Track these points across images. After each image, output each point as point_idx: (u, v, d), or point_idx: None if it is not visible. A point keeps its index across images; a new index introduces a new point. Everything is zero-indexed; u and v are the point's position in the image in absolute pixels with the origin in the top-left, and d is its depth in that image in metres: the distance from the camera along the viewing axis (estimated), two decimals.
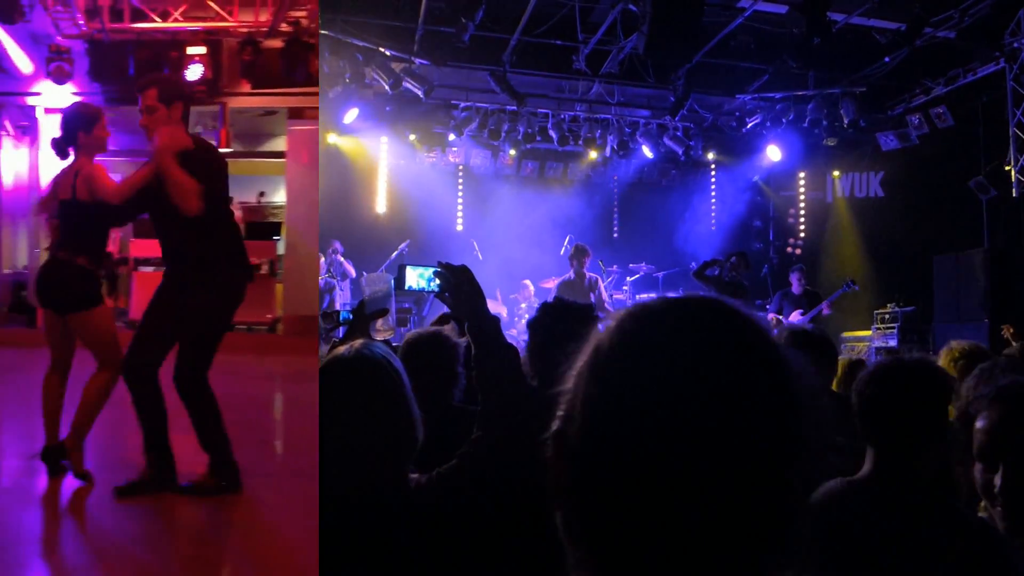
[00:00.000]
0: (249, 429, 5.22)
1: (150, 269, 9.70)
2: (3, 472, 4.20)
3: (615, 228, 12.93)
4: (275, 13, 9.56)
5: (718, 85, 10.24)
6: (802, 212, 12.55)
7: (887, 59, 8.97)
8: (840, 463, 1.87)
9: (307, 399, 3.20)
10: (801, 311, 8.60)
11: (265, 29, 9.79)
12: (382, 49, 8.91)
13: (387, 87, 9.14)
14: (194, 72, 9.76)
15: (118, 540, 3.53)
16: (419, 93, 9.34)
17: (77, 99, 7.66)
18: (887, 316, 9.60)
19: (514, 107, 10.08)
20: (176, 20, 9.78)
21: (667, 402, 0.67)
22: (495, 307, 8.43)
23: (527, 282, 10.41)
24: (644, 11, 7.41)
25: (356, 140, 10.86)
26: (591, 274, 8.65)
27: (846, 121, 10.03)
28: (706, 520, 0.66)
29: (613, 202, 12.97)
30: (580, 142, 11.02)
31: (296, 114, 10.34)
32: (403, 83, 9.14)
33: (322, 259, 9.85)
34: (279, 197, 12.53)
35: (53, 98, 9.99)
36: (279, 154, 11.06)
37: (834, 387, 3.10)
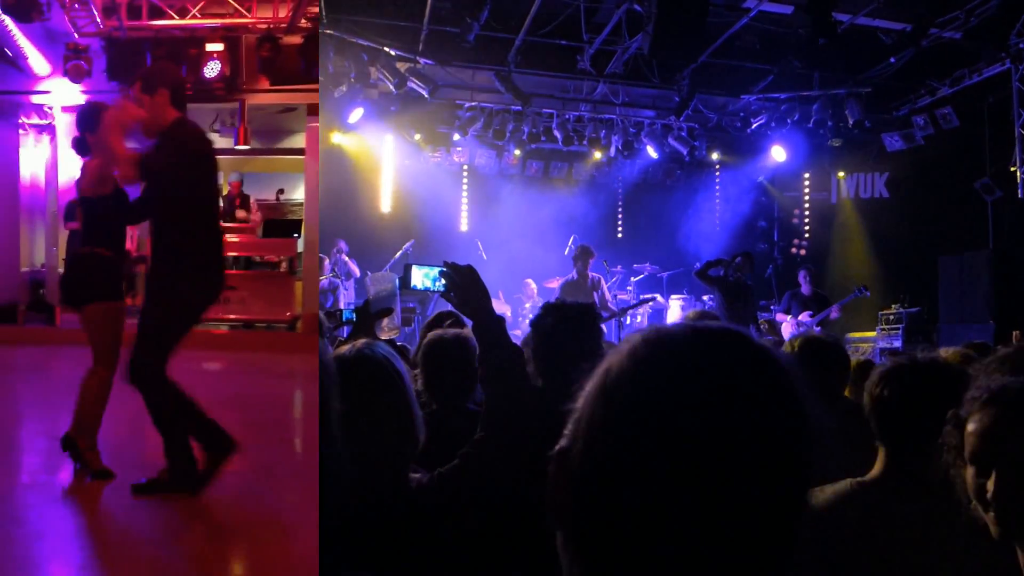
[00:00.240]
0: (269, 428, 5.24)
1: None
2: (23, 468, 4.19)
3: (619, 228, 12.93)
4: (294, 9, 9.57)
5: (723, 85, 10.23)
6: (807, 213, 12.53)
7: (892, 60, 8.97)
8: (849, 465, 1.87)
9: None
10: (810, 312, 8.59)
11: (284, 25, 9.79)
12: (387, 49, 8.92)
13: (392, 87, 9.15)
14: (212, 69, 9.76)
15: (128, 537, 3.54)
16: (424, 93, 9.35)
17: (88, 97, 7.70)
18: (892, 317, 9.58)
19: (519, 107, 10.09)
20: (194, 17, 9.79)
21: (676, 432, 0.66)
22: (499, 306, 8.43)
23: (529, 281, 10.41)
24: (649, 11, 7.41)
25: (361, 139, 10.86)
26: (594, 274, 8.65)
27: (851, 122, 10.01)
28: (707, 550, 0.66)
29: (617, 202, 12.97)
30: (585, 142, 11.02)
31: (315, 111, 10.33)
32: (408, 83, 9.16)
33: (326, 259, 9.86)
34: (298, 195, 12.55)
35: (70, 96, 10.02)
36: (298, 151, 11.08)
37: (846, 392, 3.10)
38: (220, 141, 11.59)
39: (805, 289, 8.89)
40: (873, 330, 9.90)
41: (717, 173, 12.69)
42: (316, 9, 9.35)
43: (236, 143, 10.61)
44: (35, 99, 10.40)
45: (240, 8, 9.83)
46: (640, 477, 0.66)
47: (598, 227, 12.06)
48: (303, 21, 9.58)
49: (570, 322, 2.49)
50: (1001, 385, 1.46)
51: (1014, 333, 6.53)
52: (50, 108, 10.58)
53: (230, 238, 10.12)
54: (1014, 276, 8.51)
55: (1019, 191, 8.97)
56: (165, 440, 3.79)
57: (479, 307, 1.91)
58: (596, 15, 8.72)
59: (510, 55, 9.13)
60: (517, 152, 11.47)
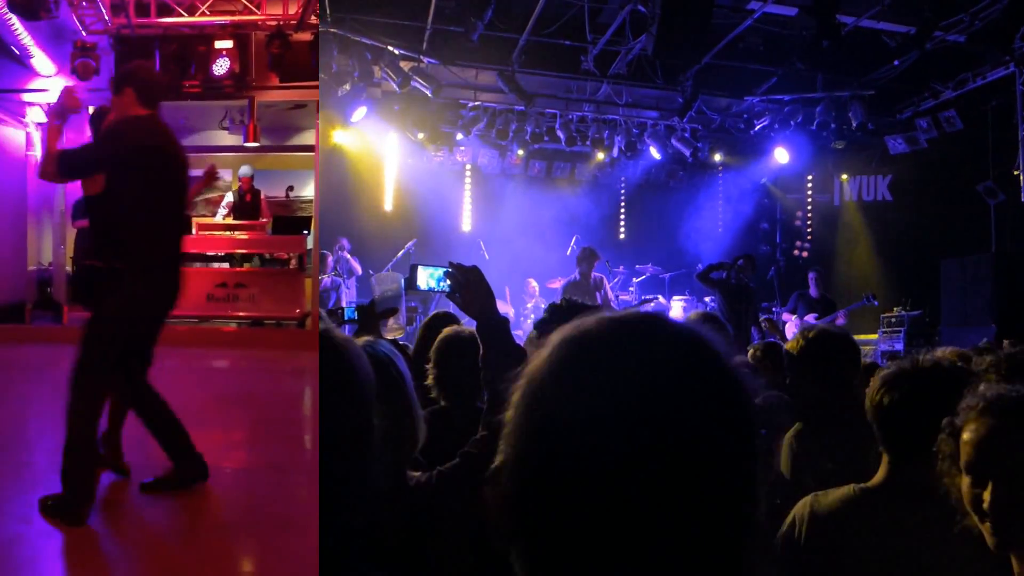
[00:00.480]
0: (278, 425, 5.25)
1: None
2: (31, 466, 4.18)
3: (622, 229, 12.93)
4: (303, 6, 9.56)
5: (726, 87, 10.23)
6: (809, 215, 12.53)
7: (896, 62, 8.96)
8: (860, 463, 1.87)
9: None
10: (816, 315, 8.58)
11: (294, 22, 9.78)
12: (391, 48, 8.93)
13: (395, 86, 9.15)
14: (221, 66, 9.75)
15: (135, 534, 3.52)
16: (427, 92, 9.35)
17: (93, 96, 7.68)
18: (893, 320, 9.58)
19: (522, 107, 10.09)
20: (203, 14, 9.77)
21: (602, 436, 0.63)
22: (503, 307, 8.43)
23: (531, 281, 10.42)
24: (653, 12, 7.40)
25: (364, 138, 10.87)
26: (597, 275, 8.66)
27: (854, 124, 10.01)
28: (651, 552, 0.63)
29: (620, 203, 12.97)
30: (588, 143, 11.02)
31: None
32: (411, 82, 9.16)
33: (328, 256, 9.87)
34: (308, 191, 12.55)
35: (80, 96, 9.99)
36: (308, 148, 11.08)
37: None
38: (229, 138, 11.60)
39: (813, 292, 8.88)
40: (875, 333, 9.89)
41: (720, 174, 12.69)
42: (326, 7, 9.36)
43: (245, 140, 10.60)
44: (42, 98, 10.38)
45: (249, 5, 9.82)
46: (573, 485, 0.63)
47: (600, 228, 12.07)
48: (312, 18, 9.57)
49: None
50: (997, 394, 1.45)
51: (1004, 343, 6.51)
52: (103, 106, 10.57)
53: (239, 235, 10.12)
54: (1016, 279, 8.51)
55: (1022, 194, 8.96)
56: (64, 455, 3.44)
57: (484, 308, 1.91)
58: (600, 15, 8.72)
59: (514, 55, 9.14)
60: (520, 152, 11.48)
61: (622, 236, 12.81)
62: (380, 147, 11.24)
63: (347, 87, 9.32)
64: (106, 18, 9.68)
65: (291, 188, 12.76)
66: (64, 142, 3.67)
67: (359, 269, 10.11)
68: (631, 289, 10.75)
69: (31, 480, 3.91)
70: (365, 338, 1.85)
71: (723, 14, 8.09)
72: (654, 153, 11.25)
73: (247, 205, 10.78)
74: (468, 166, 12.05)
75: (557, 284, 10.45)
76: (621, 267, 10.74)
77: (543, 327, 2.57)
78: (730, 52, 9.09)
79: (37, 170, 3.80)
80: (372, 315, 2.31)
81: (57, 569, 3.28)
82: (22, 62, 9.99)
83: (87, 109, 4.95)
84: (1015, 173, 9.08)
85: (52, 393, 4.10)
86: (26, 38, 9.55)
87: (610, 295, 8.73)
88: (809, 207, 12.53)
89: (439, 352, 2.61)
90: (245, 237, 10.12)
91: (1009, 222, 9.67)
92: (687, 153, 11.16)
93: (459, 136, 10.94)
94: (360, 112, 9.90)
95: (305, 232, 10.01)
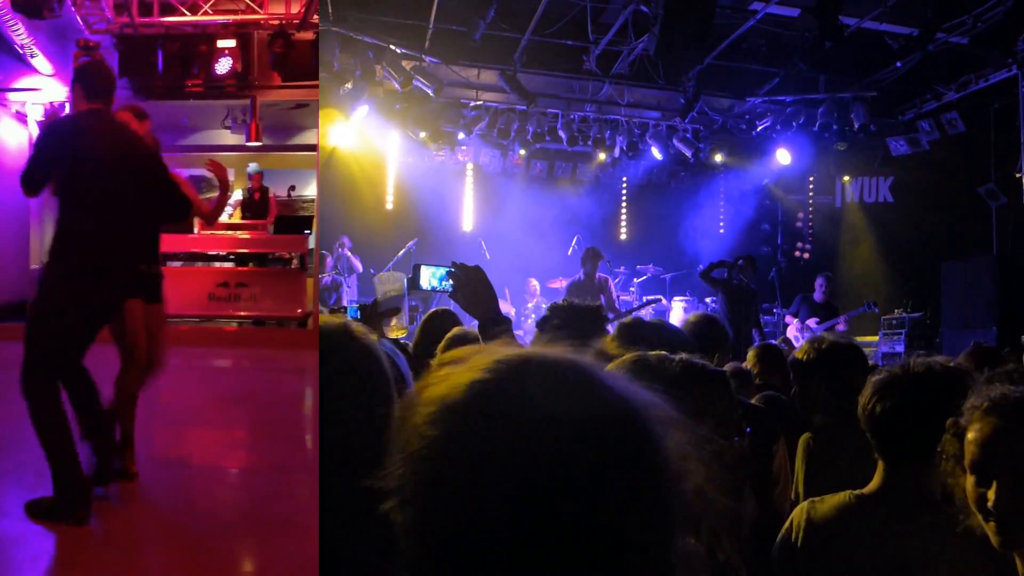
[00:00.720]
0: (280, 425, 5.25)
1: (177, 264, 9.72)
2: (31, 467, 4.15)
3: (623, 229, 12.93)
4: (306, 5, 9.56)
5: (728, 88, 10.23)
6: (811, 216, 12.53)
7: (899, 64, 8.95)
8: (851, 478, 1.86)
9: None
10: (817, 319, 8.59)
11: (296, 21, 9.77)
12: (393, 47, 8.92)
13: (397, 85, 9.15)
14: (223, 66, 9.74)
15: (136, 534, 3.51)
16: (429, 91, 9.35)
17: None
18: (894, 322, 9.58)
19: (524, 107, 10.09)
20: (206, 13, 9.77)
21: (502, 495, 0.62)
22: (504, 306, 8.43)
23: (533, 281, 10.42)
24: (655, 12, 7.40)
25: (366, 137, 10.88)
26: (601, 275, 8.68)
27: (856, 125, 10.00)
28: None
29: (621, 203, 12.97)
30: (589, 143, 11.02)
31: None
32: (413, 81, 9.16)
33: (328, 256, 9.87)
34: (310, 191, 12.56)
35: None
36: (311, 147, 11.07)
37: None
38: (231, 138, 11.58)
39: (818, 296, 8.88)
40: (876, 335, 9.89)
41: (721, 175, 12.67)
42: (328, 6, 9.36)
43: (248, 139, 10.60)
44: (43, 97, 10.39)
45: (252, 4, 9.82)
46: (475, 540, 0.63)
47: (602, 228, 12.07)
48: (315, 17, 9.58)
49: (576, 323, 2.49)
50: (1001, 394, 1.45)
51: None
52: (60, 105, 10.57)
53: (240, 235, 10.11)
54: (1018, 282, 8.50)
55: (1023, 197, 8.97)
56: (47, 460, 3.41)
57: (486, 308, 1.91)
58: (602, 15, 8.72)
59: (516, 54, 9.14)
60: (522, 152, 11.48)
61: (623, 236, 12.81)
62: (382, 146, 11.25)
63: (349, 86, 9.33)
64: (109, 17, 9.68)
65: (293, 188, 12.76)
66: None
67: (360, 267, 10.11)
68: (632, 289, 10.75)
69: (32, 480, 3.90)
70: None
71: (725, 15, 8.08)
72: (656, 153, 11.25)
73: (256, 203, 10.74)
74: (469, 165, 12.05)
75: (558, 284, 10.45)
76: (622, 267, 10.74)
77: (544, 328, 2.57)
78: (732, 53, 9.09)
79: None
80: (374, 314, 2.31)
81: (57, 569, 3.27)
82: (25, 61, 9.99)
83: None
84: (1017, 175, 9.07)
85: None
86: (26, 38, 9.56)
87: (614, 296, 8.75)
88: (811, 208, 12.53)
89: (447, 350, 2.60)
90: (247, 236, 10.11)
91: (1011, 224, 9.67)
92: (689, 153, 11.15)
93: (461, 135, 10.94)
94: (362, 111, 9.90)
95: (307, 232, 10.01)
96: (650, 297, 10.45)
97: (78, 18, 9.68)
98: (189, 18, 9.77)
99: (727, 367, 3.37)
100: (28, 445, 3.90)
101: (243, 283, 9.54)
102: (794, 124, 10.67)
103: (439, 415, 0.67)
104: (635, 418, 0.68)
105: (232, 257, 9.99)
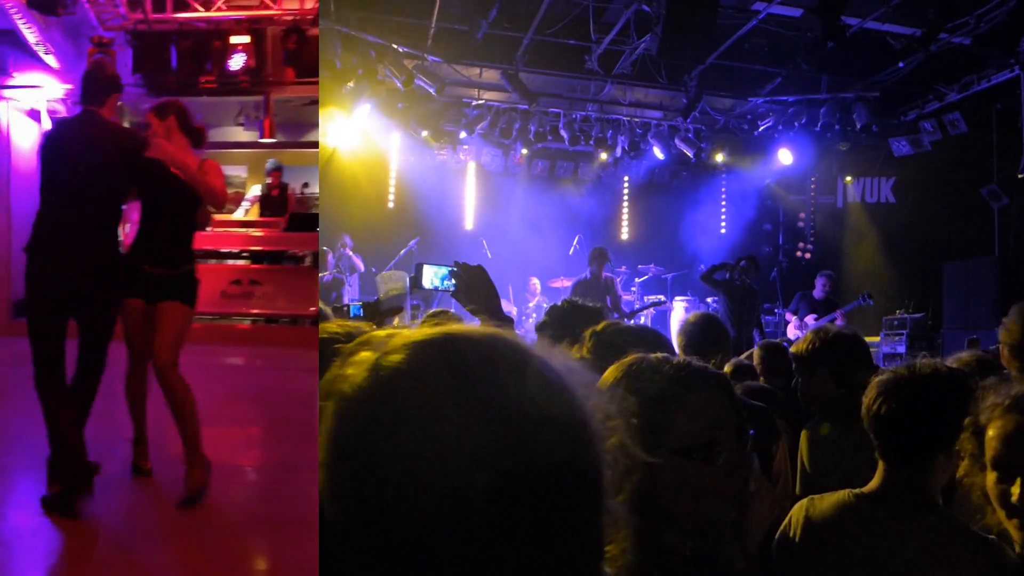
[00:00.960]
0: (291, 424, 5.24)
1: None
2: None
3: (624, 229, 12.93)
4: (320, 1, 9.54)
5: (731, 87, 10.22)
6: (813, 216, 12.52)
7: (901, 64, 8.94)
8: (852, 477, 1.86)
9: None
10: (816, 316, 8.61)
11: (310, 17, 9.73)
12: (395, 45, 8.92)
13: (399, 84, 9.15)
14: (237, 62, 9.70)
15: (146, 534, 3.51)
16: (431, 90, 9.35)
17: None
18: (896, 322, 9.57)
19: (526, 106, 10.09)
20: (219, 9, 9.73)
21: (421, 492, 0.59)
22: (505, 306, 8.45)
23: (534, 280, 10.43)
24: (658, 12, 7.40)
25: (368, 135, 10.88)
26: (608, 276, 8.71)
27: (859, 126, 10.00)
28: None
29: (623, 203, 12.97)
30: (591, 142, 11.02)
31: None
32: (415, 80, 9.16)
33: (329, 253, 9.87)
34: None
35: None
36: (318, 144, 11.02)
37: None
38: (244, 134, 11.55)
39: (818, 293, 8.90)
40: (877, 335, 9.89)
41: (723, 175, 12.68)
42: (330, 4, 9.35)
43: (261, 136, 10.56)
44: (55, 94, 10.38)
45: (266, 0, 9.79)
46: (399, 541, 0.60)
47: (603, 227, 12.08)
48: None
49: (576, 324, 2.49)
50: (1022, 391, 1.47)
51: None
52: (74, 103, 10.56)
53: (254, 232, 10.09)
54: (1019, 283, 8.48)
55: None
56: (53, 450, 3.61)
57: (488, 307, 1.92)
58: (604, 15, 8.71)
59: (518, 54, 9.14)
60: (523, 151, 11.48)
61: (625, 236, 12.81)
62: (383, 145, 11.25)
63: (351, 84, 9.33)
64: (122, 13, 9.66)
65: (306, 185, 12.70)
66: None
67: (362, 266, 10.12)
68: (633, 289, 10.75)
69: (43, 477, 3.90)
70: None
71: (728, 14, 8.08)
72: (657, 153, 11.25)
73: (274, 200, 10.69)
74: (471, 165, 12.06)
75: (559, 283, 10.46)
76: (623, 267, 10.74)
77: (544, 328, 2.57)
78: (734, 53, 9.08)
79: None
80: (377, 313, 2.32)
81: (68, 565, 3.26)
82: (38, 58, 9.98)
83: None
84: (1019, 176, 9.06)
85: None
86: (32, 35, 9.55)
87: (619, 297, 8.78)
88: (812, 209, 12.52)
89: None
90: (260, 234, 10.06)
91: (1013, 225, 9.66)
92: (690, 153, 11.15)
93: (462, 134, 10.95)
94: (364, 110, 9.90)
95: (319, 229, 10.00)
96: (651, 298, 10.45)
97: (92, 15, 9.67)
98: (203, 14, 9.74)
99: (729, 364, 3.37)
100: (35, 442, 3.92)
101: (256, 281, 9.52)
102: (796, 124, 10.67)
103: (335, 409, 0.64)
104: (561, 393, 0.66)
105: (245, 255, 9.93)
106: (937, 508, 1.70)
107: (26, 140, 10.83)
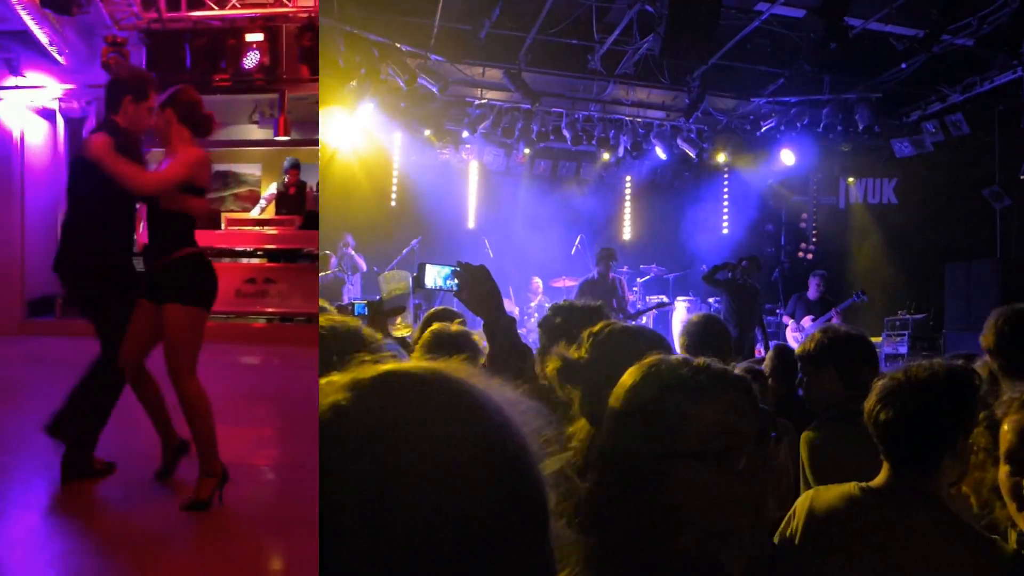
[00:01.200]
0: (306, 422, 5.24)
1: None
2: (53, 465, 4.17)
3: (626, 229, 12.93)
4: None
5: (733, 88, 10.22)
6: (815, 217, 12.51)
7: (904, 65, 8.93)
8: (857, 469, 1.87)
9: None
10: (813, 316, 8.63)
11: None
12: (398, 44, 8.93)
13: (402, 83, 9.16)
14: (251, 59, 9.68)
15: (160, 533, 3.50)
16: (434, 89, 9.35)
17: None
18: (898, 323, 9.58)
19: (528, 105, 10.09)
20: (233, 7, 9.71)
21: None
22: (507, 305, 8.45)
23: (536, 279, 10.43)
24: (661, 12, 7.41)
25: (370, 134, 10.89)
26: (615, 276, 8.74)
27: (861, 127, 9.99)
28: None
29: (625, 203, 12.97)
30: (593, 142, 11.02)
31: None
32: (418, 79, 9.17)
33: (331, 254, 9.87)
34: None
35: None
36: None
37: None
38: (259, 132, 11.55)
39: (812, 294, 8.92)
40: (879, 336, 9.89)
41: (725, 175, 12.68)
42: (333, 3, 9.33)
43: (276, 134, 10.55)
44: (68, 92, 10.39)
45: None
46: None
47: (605, 227, 12.09)
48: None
49: (577, 323, 2.49)
50: None
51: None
52: (88, 102, 10.56)
53: (268, 230, 10.07)
54: (1021, 284, 8.49)
55: None
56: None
57: (491, 307, 1.92)
58: (607, 15, 8.71)
59: (520, 53, 9.14)
60: (526, 151, 11.49)
61: (626, 236, 12.82)
62: (386, 144, 11.26)
63: (353, 83, 9.33)
64: (136, 12, 9.65)
65: None
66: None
67: (364, 265, 10.12)
68: (635, 289, 10.76)
69: (57, 476, 3.92)
70: None
71: (731, 15, 8.08)
72: (660, 153, 11.26)
73: (291, 198, 10.66)
74: (473, 164, 12.06)
75: (561, 283, 10.47)
76: (625, 267, 10.74)
77: (545, 327, 2.57)
78: (737, 53, 9.08)
79: None
80: (379, 312, 2.32)
81: (81, 562, 3.27)
82: (54, 58, 9.99)
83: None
84: (1021, 178, 9.07)
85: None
86: (42, 36, 9.55)
87: (626, 297, 8.80)
88: (814, 209, 12.51)
89: (429, 348, 2.58)
90: (274, 232, 10.04)
91: (1015, 227, 9.66)
92: (693, 154, 11.15)
93: (465, 134, 10.95)
94: (366, 109, 9.90)
95: (320, 229, 9.99)
96: (655, 299, 10.46)
97: (106, 14, 9.66)
98: (217, 12, 9.72)
99: (741, 367, 3.37)
100: (46, 441, 3.94)
101: (270, 279, 9.52)
102: (798, 125, 10.66)
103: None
104: (498, 426, 0.66)
105: (260, 253, 9.91)
106: (942, 506, 1.71)
107: (39, 140, 10.86)
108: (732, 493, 1.18)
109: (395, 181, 11.64)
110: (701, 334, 3.26)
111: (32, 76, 10.28)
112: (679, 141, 11.04)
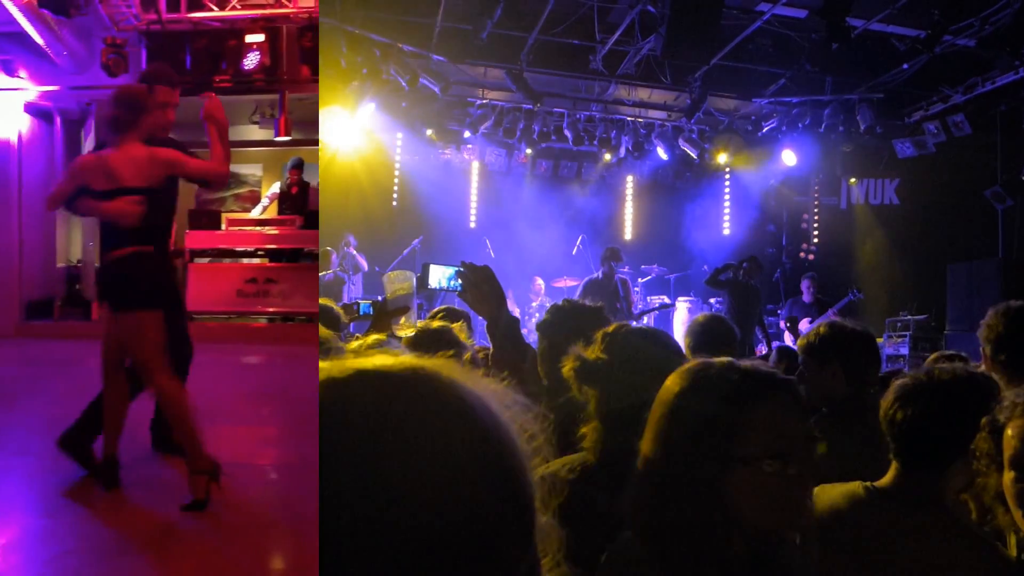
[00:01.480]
0: (309, 422, 5.25)
1: (205, 260, 9.68)
2: (60, 467, 4.17)
3: (628, 229, 12.93)
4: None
5: (735, 88, 10.22)
6: (816, 218, 12.50)
7: (905, 66, 8.93)
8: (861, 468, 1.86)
9: None
10: (810, 319, 8.64)
11: None
12: (400, 44, 8.93)
13: (404, 83, 9.16)
14: (252, 60, 9.67)
15: (166, 531, 3.52)
16: (435, 89, 9.36)
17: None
18: (899, 324, 9.57)
19: (530, 106, 10.10)
20: (234, 8, 9.70)
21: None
22: (509, 305, 8.45)
23: (538, 279, 10.43)
24: (662, 13, 7.41)
25: (372, 134, 10.89)
26: (620, 276, 8.74)
27: (863, 127, 9.98)
28: None
29: (626, 203, 12.97)
30: (595, 142, 11.02)
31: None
32: (420, 79, 9.17)
33: (332, 252, 9.87)
34: None
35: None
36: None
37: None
38: (260, 133, 11.55)
39: (806, 297, 8.95)
40: (880, 337, 9.88)
41: (727, 176, 12.67)
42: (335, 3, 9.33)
43: (277, 134, 10.53)
44: (66, 95, 10.39)
45: None
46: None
47: (606, 227, 12.09)
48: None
49: (577, 323, 2.49)
50: None
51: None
52: (86, 103, 10.56)
53: (268, 230, 10.07)
54: (1023, 284, 8.48)
55: None
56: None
57: (494, 307, 1.92)
58: (609, 15, 8.71)
59: (522, 53, 9.14)
60: (527, 151, 11.49)
61: (628, 236, 12.81)
62: (387, 144, 11.26)
63: (355, 83, 9.33)
64: (136, 14, 9.64)
65: None
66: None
67: (365, 265, 10.12)
68: (636, 289, 10.76)
69: (56, 479, 3.92)
70: (375, 336, 1.86)
71: (732, 15, 8.08)
72: (661, 154, 11.26)
73: (293, 198, 10.65)
74: (475, 164, 12.07)
75: (563, 283, 10.48)
76: (626, 267, 10.74)
77: (545, 327, 2.57)
78: (739, 53, 9.08)
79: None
80: (383, 312, 2.33)
81: (87, 562, 3.27)
82: (52, 60, 9.99)
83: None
84: (1023, 178, 9.06)
85: (79, 390, 4.14)
86: (37, 36, 9.54)
87: (631, 299, 8.80)
88: (816, 210, 12.51)
89: (414, 346, 2.56)
90: (275, 232, 10.01)
91: (1017, 227, 9.65)
92: (694, 154, 11.15)
93: (466, 134, 10.96)
94: (368, 108, 9.91)
95: (320, 228, 9.98)
96: (657, 299, 10.47)
97: (105, 15, 9.65)
98: (217, 13, 9.71)
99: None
100: (46, 443, 3.94)
101: (272, 279, 9.51)
102: (800, 125, 10.66)
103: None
104: (482, 423, 0.65)
105: (261, 253, 9.89)
106: (947, 509, 1.71)
107: (37, 143, 10.86)
108: (784, 495, 1.19)
109: (396, 181, 11.64)
110: (706, 334, 3.26)
111: (30, 77, 10.28)
112: (680, 141, 11.04)
